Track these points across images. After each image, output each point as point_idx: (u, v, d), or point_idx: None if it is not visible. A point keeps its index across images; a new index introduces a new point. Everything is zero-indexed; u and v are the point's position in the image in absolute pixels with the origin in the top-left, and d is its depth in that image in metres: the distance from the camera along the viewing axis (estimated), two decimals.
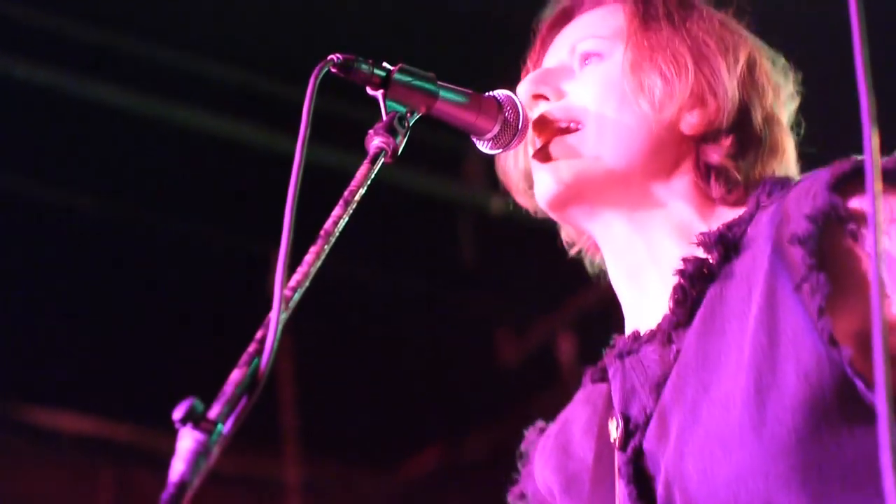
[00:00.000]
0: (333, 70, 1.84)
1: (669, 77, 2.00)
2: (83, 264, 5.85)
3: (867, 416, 1.71)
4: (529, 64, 2.21)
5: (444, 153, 5.10)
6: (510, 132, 2.02)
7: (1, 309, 5.93)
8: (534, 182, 2.08)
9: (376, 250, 5.67)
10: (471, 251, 5.77)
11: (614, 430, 1.96)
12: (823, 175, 1.83)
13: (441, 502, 7.23)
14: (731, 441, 1.75)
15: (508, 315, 6.31)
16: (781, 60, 2.13)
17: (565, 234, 2.24)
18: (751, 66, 2.05)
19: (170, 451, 1.43)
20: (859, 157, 1.82)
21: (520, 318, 6.24)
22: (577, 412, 2.16)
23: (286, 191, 1.63)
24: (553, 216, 2.11)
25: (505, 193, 2.28)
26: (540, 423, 2.25)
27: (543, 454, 2.17)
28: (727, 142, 2.01)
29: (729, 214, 1.97)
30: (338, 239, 1.69)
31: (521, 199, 2.22)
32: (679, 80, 2.00)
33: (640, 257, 2.02)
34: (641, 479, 1.88)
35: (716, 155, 2.01)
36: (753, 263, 1.84)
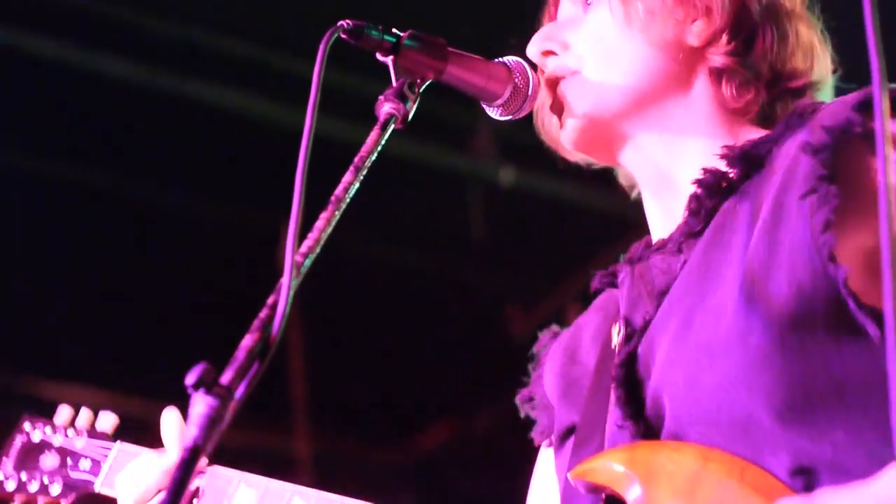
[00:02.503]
0: (343, 36, 1.84)
1: None
2: (94, 239, 5.86)
3: (856, 334, 1.71)
4: (545, 20, 2.19)
5: (452, 126, 5.10)
6: (520, 97, 2.02)
7: (10, 284, 5.94)
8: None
9: (386, 223, 5.66)
10: (480, 224, 5.76)
11: (616, 336, 1.97)
12: (851, 97, 1.82)
13: (451, 476, 7.24)
14: (717, 350, 1.75)
15: (518, 289, 6.30)
16: None
17: (620, 176, 2.21)
18: None
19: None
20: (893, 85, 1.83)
21: (529, 291, 6.23)
22: (590, 318, 2.16)
23: (295, 163, 1.62)
24: (590, 158, 2.12)
25: (551, 150, 2.21)
26: (554, 327, 2.25)
27: (552, 359, 2.18)
28: (724, 40, 1.99)
29: (756, 133, 1.97)
30: (347, 212, 1.69)
31: (566, 154, 2.18)
32: None
33: (662, 175, 2.02)
34: (632, 384, 1.88)
35: (718, 57, 2.00)
36: (770, 181, 1.83)
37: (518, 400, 2.24)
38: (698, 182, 1.93)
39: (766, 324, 1.72)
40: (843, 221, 1.73)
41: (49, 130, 5.39)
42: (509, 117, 2.05)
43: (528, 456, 2.27)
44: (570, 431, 2.04)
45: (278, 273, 1.53)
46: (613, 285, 2.09)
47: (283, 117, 5.06)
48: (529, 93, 2.02)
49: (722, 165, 1.92)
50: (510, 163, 5.13)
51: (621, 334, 1.95)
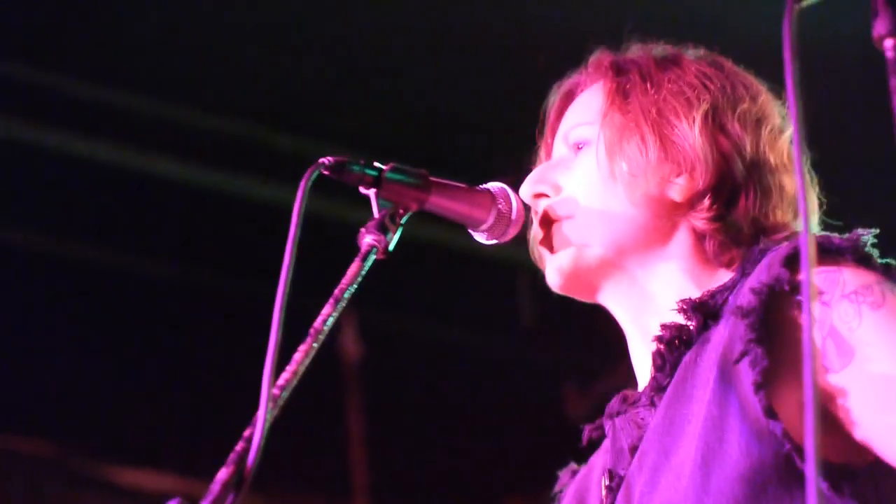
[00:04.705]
0: (325, 172, 1.90)
1: (634, 156, 2.05)
2: (162, 327, 5.98)
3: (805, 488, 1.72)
4: (542, 153, 2.26)
5: None
6: (504, 223, 2.07)
7: (80, 370, 6.07)
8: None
9: (439, 308, 5.72)
10: (531, 308, 5.81)
11: (603, 489, 2.01)
12: (783, 250, 1.86)
13: None
14: None
15: (572, 369, 6.31)
16: (762, 95, 2.12)
17: None
18: (716, 117, 2.06)
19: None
20: (819, 234, 1.88)
21: (583, 371, 6.23)
22: (599, 459, 2.16)
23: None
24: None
25: None
26: (572, 466, 2.26)
27: (566, 502, 2.19)
28: (706, 204, 2.02)
29: (724, 278, 2.00)
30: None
31: None
32: (646, 155, 2.04)
33: (639, 326, 2.06)
34: None
35: (700, 221, 2.03)
36: (724, 332, 1.87)
37: None
38: (658, 339, 1.97)
39: (721, 485, 1.77)
40: (779, 379, 1.79)
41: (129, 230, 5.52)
42: (494, 241, 2.11)
43: None
44: None
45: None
46: (603, 436, 2.12)
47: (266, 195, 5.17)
48: (513, 217, 2.07)
49: (681, 319, 1.97)
50: None
51: (605, 488, 2.00)
